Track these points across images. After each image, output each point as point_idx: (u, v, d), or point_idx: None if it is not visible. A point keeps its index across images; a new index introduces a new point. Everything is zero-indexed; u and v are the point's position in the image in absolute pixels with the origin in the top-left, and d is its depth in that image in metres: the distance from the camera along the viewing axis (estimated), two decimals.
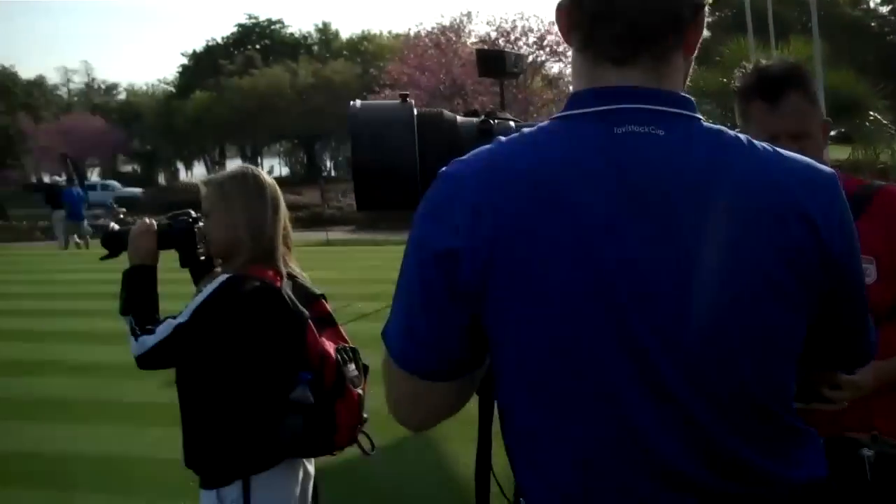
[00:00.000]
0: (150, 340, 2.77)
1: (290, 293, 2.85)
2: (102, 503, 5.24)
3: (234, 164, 60.42)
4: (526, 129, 1.38)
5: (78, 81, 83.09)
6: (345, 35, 73.79)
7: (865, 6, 51.51)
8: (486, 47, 20.75)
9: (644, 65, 1.34)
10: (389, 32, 66.56)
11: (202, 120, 57.01)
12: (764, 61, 2.54)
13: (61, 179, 27.91)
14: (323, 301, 3.01)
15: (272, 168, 62.60)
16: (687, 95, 1.37)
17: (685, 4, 1.35)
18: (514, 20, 27.18)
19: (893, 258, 2.32)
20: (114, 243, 3.01)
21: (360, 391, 2.90)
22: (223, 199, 2.87)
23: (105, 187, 47.50)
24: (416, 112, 1.75)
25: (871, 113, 15.20)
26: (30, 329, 10.49)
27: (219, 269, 2.90)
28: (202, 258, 2.99)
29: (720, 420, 1.30)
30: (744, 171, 1.30)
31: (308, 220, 26.74)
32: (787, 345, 1.34)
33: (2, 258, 20.32)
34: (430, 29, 29.08)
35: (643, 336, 1.26)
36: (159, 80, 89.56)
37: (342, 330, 3.02)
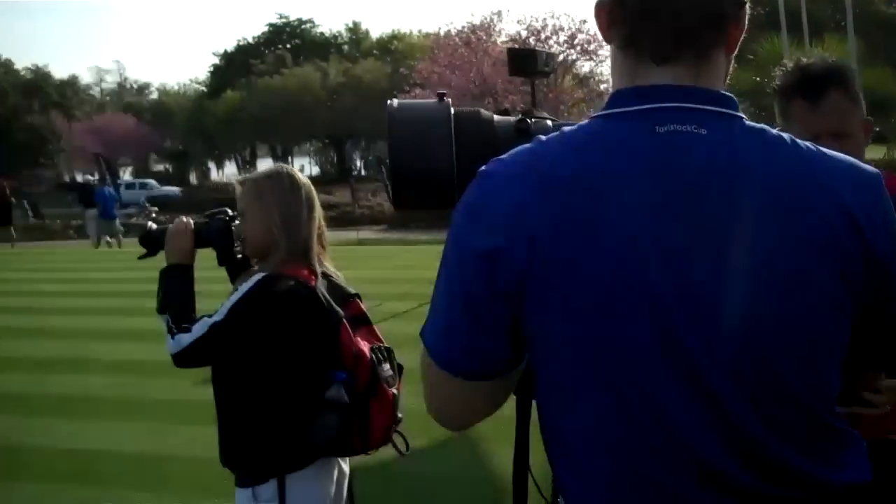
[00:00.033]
0: (186, 339, 2.78)
1: (324, 292, 2.85)
2: (137, 500, 5.26)
3: (265, 164, 60.87)
4: (567, 128, 1.37)
5: (110, 81, 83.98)
6: (375, 34, 74.22)
7: None
8: (516, 46, 20.76)
9: (686, 63, 1.33)
10: (419, 31, 66.66)
11: (233, 119, 57.35)
12: (805, 59, 2.51)
13: (94, 179, 28.14)
14: (357, 300, 3.01)
15: (302, 167, 62.79)
16: (729, 94, 1.35)
17: (728, 2, 1.34)
18: (545, 19, 27.15)
19: None
20: (151, 242, 3.03)
21: (394, 391, 2.90)
22: (258, 198, 2.88)
23: (143, 186, 48.05)
24: (453, 111, 1.75)
25: None
26: (64, 327, 10.59)
27: (255, 268, 2.91)
28: (239, 257, 3.00)
29: (763, 421, 1.28)
30: (787, 170, 1.29)
31: (339, 219, 26.80)
32: (830, 345, 1.33)
33: (36, 257, 20.54)
34: (460, 28, 29.11)
35: (686, 336, 1.25)
36: (191, 80, 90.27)
37: (377, 329, 3.02)
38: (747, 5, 1.37)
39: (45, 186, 54.67)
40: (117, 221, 24.07)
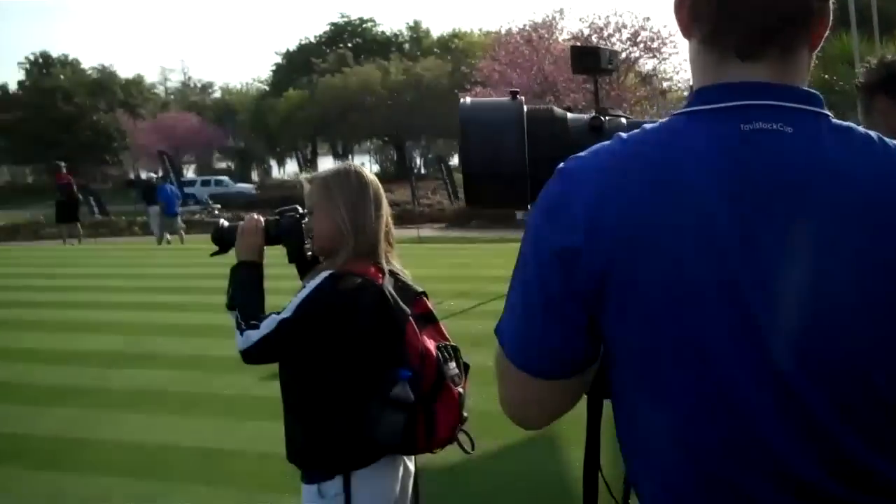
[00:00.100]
0: (254, 335, 2.80)
1: (391, 290, 2.86)
2: (202, 495, 5.33)
3: (325, 162, 61.37)
4: (648, 126, 1.35)
5: (175, 80, 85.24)
6: (436, 33, 74.34)
7: None
8: (579, 44, 20.67)
9: (771, 59, 1.30)
10: (480, 30, 66.69)
11: (294, 118, 57.89)
12: (890, 57, 2.46)
13: (156, 176, 28.53)
14: (424, 298, 3.01)
15: (363, 165, 63.27)
16: (815, 91, 1.32)
17: None
18: (608, 16, 27.03)
19: None
20: (223, 240, 3.06)
21: (460, 389, 2.89)
22: (327, 196, 2.89)
23: (218, 183, 48.70)
24: (525, 109, 1.74)
25: None
26: (129, 322, 10.75)
27: (323, 266, 2.92)
28: (309, 255, 3.01)
29: (850, 428, 1.25)
30: (876, 170, 1.26)
31: (399, 217, 26.53)
32: None
33: (101, 253, 20.90)
34: (521, 26, 29.05)
35: (771, 340, 1.23)
36: (253, 79, 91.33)
37: (443, 328, 3.02)
38: (831, 0, 1.35)
39: (110, 184, 55.68)
40: (179, 219, 24.35)
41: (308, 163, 65.81)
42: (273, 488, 5.09)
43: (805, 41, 1.33)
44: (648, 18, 26.57)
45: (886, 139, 1.30)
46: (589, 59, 2.02)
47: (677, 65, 26.85)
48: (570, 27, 34.36)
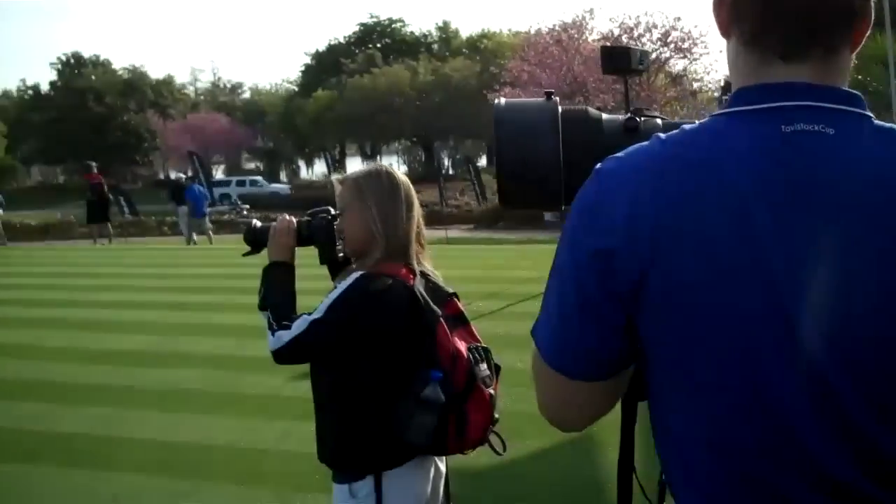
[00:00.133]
0: (285, 336, 2.80)
1: (422, 291, 2.86)
2: (232, 493, 5.36)
3: (354, 162, 61.52)
4: (687, 127, 1.34)
5: (204, 81, 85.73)
6: (464, 33, 74.33)
7: None
8: (609, 44, 20.60)
9: (814, 60, 1.29)
10: (509, 30, 66.66)
11: (323, 118, 58.09)
12: None
13: (185, 177, 28.69)
14: (455, 299, 3.00)
15: (391, 166, 63.47)
16: (856, 92, 1.30)
17: None
18: (638, 16, 26.85)
19: None
20: (255, 240, 3.07)
21: (491, 391, 2.88)
22: (358, 197, 2.89)
23: (253, 183, 49.03)
24: (560, 110, 1.74)
25: None
26: (160, 322, 10.81)
27: (354, 266, 2.92)
28: (340, 255, 3.02)
29: (886, 428, 1.24)
30: None
31: (427, 218, 26.66)
32: None
33: (132, 252, 21.04)
34: (551, 26, 28.98)
35: (807, 341, 1.22)
36: (283, 80, 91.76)
37: (474, 329, 3.01)
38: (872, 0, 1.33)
39: (140, 184, 56.15)
40: (207, 220, 24.45)
41: (336, 163, 65.99)
42: (304, 488, 5.11)
43: (848, 41, 1.31)
44: (679, 18, 26.46)
45: None
46: (619, 59, 2.02)
47: (708, 65, 26.78)
48: (599, 27, 34.17)
